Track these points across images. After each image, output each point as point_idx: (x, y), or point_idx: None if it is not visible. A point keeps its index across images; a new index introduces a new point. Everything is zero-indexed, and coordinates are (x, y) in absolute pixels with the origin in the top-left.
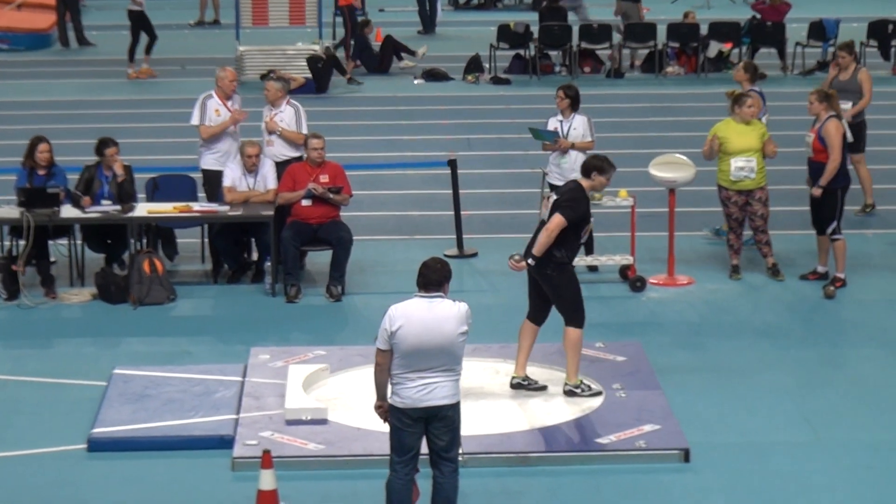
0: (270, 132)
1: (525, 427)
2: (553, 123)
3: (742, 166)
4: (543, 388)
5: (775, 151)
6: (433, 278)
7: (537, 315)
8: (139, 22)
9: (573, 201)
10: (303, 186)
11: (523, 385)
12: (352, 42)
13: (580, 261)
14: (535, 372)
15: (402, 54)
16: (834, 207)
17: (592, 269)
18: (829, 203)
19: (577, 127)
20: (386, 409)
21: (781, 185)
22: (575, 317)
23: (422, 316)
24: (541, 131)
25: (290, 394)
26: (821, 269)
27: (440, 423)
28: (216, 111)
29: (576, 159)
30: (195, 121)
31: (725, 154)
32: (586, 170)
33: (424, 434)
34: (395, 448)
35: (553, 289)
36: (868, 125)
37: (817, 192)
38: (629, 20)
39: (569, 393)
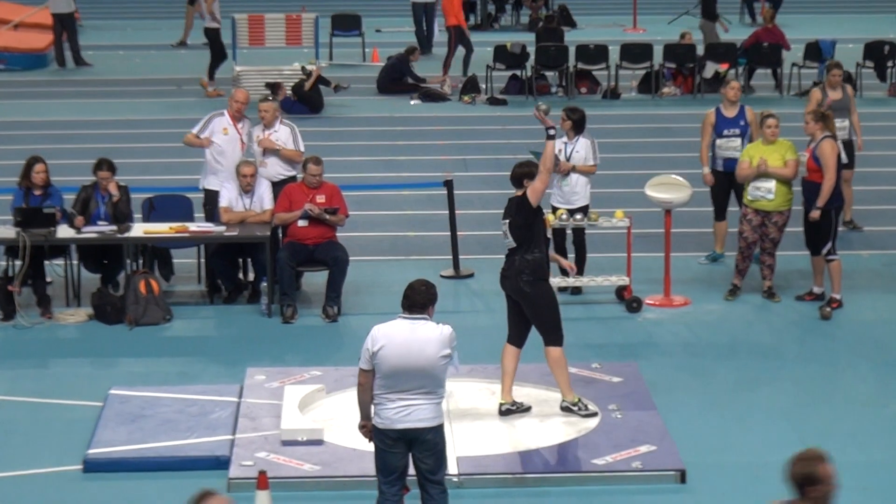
0: (266, 149)
1: (521, 448)
2: (557, 145)
3: (759, 186)
4: (528, 408)
5: (789, 174)
6: (417, 300)
7: (517, 337)
8: (215, 40)
9: (520, 209)
10: (299, 207)
11: (512, 410)
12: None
13: (562, 281)
14: (531, 393)
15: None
16: (828, 228)
17: (576, 291)
18: (824, 224)
19: (580, 150)
20: (369, 429)
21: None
22: (554, 336)
23: (404, 337)
24: (540, 153)
25: (286, 414)
26: (817, 290)
27: (422, 446)
28: (224, 129)
29: (576, 182)
30: (194, 129)
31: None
32: (517, 180)
33: (410, 456)
34: (379, 469)
35: (531, 306)
36: (864, 146)
37: (816, 214)
38: (707, 40)
39: (565, 409)
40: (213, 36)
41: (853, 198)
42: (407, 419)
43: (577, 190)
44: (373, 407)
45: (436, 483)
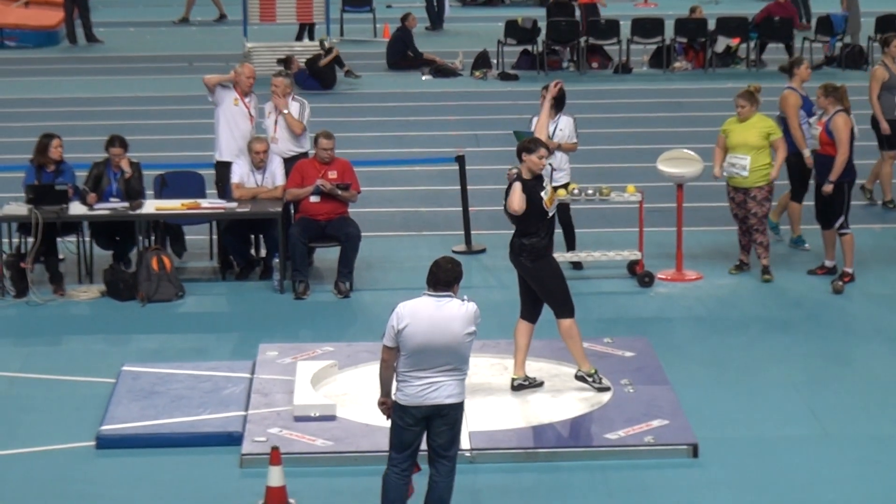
0: (277, 108)
1: (534, 423)
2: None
3: (734, 163)
4: (541, 383)
5: (780, 155)
6: (443, 278)
7: (530, 313)
8: None
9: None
10: (311, 183)
11: (525, 385)
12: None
13: (561, 257)
14: (543, 368)
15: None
16: (841, 202)
17: (577, 265)
18: (837, 197)
19: (564, 128)
20: (389, 406)
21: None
22: (564, 307)
23: (429, 315)
24: (525, 133)
25: (299, 390)
26: (828, 263)
27: (441, 420)
28: (234, 100)
29: (560, 160)
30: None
31: (728, 149)
32: (517, 154)
33: (425, 432)
34: (393, 444)
35: (536, 280)
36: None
37: (828, 188)
38: (852, 18)
39: (580, 378)
40: None
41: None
42: (433, 396)
43: (561, 166)
44: (395, 383)
45: (447, 459)
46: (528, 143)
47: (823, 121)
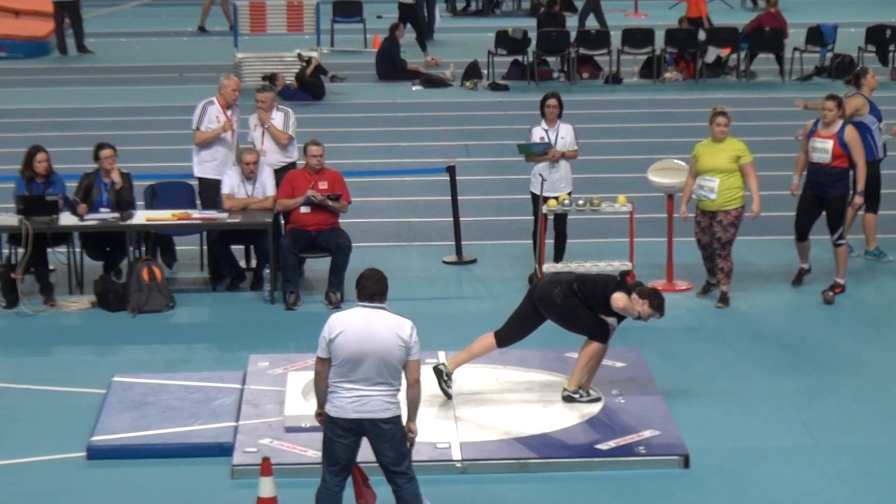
0: (262, 122)
1: (524, 433)
2: (539, 133)
3: (702, 185)
4: (450, 390)
5: (753, 181)
6: (376, 289)
7: (505, 339)
8: (409, 14)
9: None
10: (301, 193)
11: (443, 381)
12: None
13: (552, 266)
14: (533, 377)
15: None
16: (843, 213)
17: None
18: (839, 209)
19: (565, 136)
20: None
21: (776, 190)
22: (599, 333)
23: (362, 324)
24: (529, 145)
25: (290, 401)
26: (804, 266)
27: (379, 437)
28: (216, 118)
29: (565, 168)
30: (195, 125)
31: (698, 172)
32: (622, 282)
33: (358, 448)
34: (325, 458)
35: (564, 315)
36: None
37: (860, 200)
38: None
39: (567, 398)
40: (404, 10)
41: None
42: (361, 409)
43: (565, 176)
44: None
45: (401, 474)
46: (653, 298)
47: (833, 133)
